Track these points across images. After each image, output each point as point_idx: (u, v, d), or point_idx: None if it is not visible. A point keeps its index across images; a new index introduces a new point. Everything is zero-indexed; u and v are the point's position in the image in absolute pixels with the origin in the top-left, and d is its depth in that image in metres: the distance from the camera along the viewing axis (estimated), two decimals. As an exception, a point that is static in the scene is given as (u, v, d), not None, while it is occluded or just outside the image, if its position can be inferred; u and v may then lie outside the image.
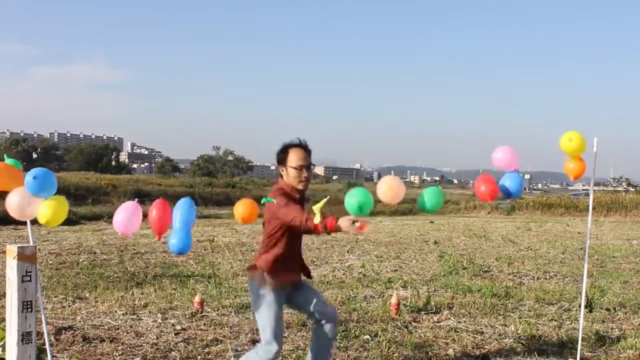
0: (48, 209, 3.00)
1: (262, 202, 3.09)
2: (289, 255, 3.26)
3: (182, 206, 2.96)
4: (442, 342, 4.88)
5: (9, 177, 3.11)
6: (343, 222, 2.74)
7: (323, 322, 3.37)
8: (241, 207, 3.00)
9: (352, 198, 2.82)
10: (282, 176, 3.25)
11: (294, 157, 3.17)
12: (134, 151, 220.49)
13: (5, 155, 3.49)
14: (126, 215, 3.01)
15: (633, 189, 49.23)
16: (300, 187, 3.19)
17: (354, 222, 2.72)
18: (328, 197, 3.04)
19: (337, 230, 2.76)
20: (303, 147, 3.23)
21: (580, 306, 3.89)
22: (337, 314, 3.57)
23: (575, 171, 3.51)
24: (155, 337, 4.84)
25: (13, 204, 3.03)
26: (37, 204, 3.02)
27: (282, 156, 3.21)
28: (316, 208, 2.80)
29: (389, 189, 2.95)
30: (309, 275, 3.51)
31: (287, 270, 3.27)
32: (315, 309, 3.35)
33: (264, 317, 3.18)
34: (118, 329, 5.07)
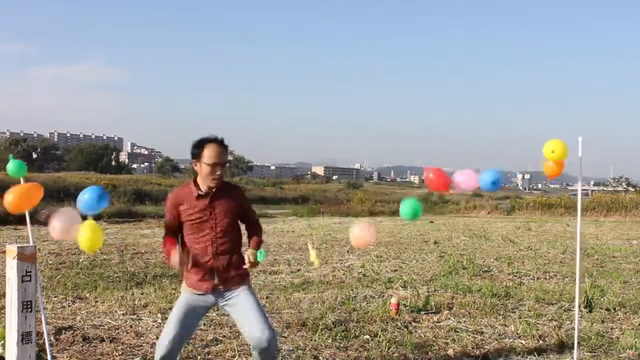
0: (85, 239, 2.97)
1: (260, 257, 3.12)
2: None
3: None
4: (442, 342, 4.88)
5: (30, 197, 3.16)
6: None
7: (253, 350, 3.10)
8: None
9: (406, 208, 3.15)
10: (195, 172, 3.16)
11: (208, 154, 3.05)
12: (134, 151, 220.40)
13: (10, 156, 3.47)
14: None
15: (633, 189, 49.30)
16: (212, 184, 3.09)
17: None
18: (317, 251, 3.26)
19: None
20: (219, 143, 3.10)
21: (577, 306, 3.89)
22: (274, 344, 3.07)
23: (550, 172, 3.51)
24: (155, 337, 4.82)
25: (56, 228, 2.98)
26: (78, 225, 2.99)
27: (196, 151, 3.09)
28: (313, 256, 3.19)
29: (359, 237, 3.16)
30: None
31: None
32: (245, 330, 3.13)
33: None
34: (118, 329, 5.07)
